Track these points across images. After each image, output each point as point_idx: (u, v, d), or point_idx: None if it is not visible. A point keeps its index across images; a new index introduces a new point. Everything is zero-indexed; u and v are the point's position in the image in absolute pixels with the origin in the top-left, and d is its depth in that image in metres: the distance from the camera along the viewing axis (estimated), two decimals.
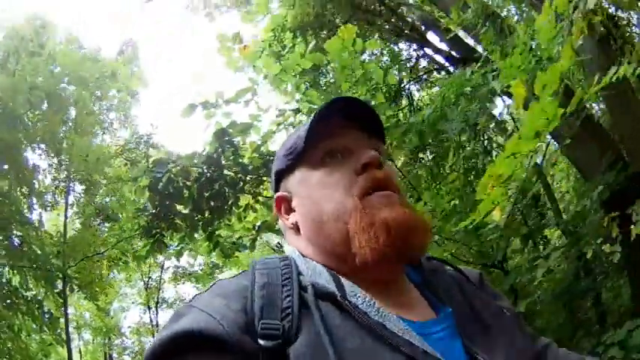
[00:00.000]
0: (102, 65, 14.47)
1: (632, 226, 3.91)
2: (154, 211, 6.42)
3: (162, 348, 0.81)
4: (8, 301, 11.38)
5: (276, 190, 1.13)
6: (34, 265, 11.61)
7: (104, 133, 15.61)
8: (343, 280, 0.94)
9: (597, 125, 5.94)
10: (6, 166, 11.80)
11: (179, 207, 6.97)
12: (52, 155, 13.37)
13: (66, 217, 13.35)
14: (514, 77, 3.86)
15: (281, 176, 1.11)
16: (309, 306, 0.86)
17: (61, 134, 13.40)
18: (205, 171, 7.34)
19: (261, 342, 0.80)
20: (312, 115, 1.04)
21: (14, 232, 11.68)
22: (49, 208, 13.44)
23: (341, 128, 1.05)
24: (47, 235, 12.92)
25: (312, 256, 1.01)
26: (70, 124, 13.70)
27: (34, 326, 11.90)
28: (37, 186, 12.93)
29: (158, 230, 6.61)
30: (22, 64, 12.27)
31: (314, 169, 1.04)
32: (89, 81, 13.81)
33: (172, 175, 7.24)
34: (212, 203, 6.55)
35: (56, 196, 13.57)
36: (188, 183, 7.40)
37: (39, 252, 11.82)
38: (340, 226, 0.97)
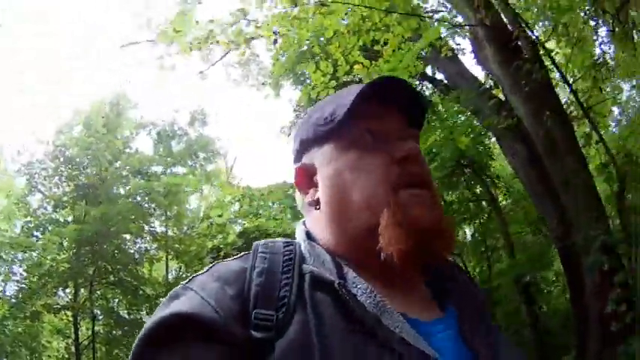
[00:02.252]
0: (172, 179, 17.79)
1: None
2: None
3: (153, 331, 0.79)
4: (126, 328, 16.11)
5: (298, 159, 1.05)
6: (147, 304, 16.16)
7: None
8: (347, 269, 0.89)
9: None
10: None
11: None
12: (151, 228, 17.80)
13: (167, 266, 17.83)
14: None
15: (307, 146, 1.03)
16: (305, 296, 0.83)
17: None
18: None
19: (252, 332, 0.78)
20: (357, 89, 0.96)
21: (129, 281, 16.31)
22: (155, 261, 17.92)
23: (383, 109, 0.98)
24: (155, 281, 17.44)
25: (324, 237, 0.96)
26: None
27: None
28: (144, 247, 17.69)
29: None
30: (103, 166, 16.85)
31: (348, 146, 0.96)
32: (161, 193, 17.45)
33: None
34: None
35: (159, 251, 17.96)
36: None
37: (150, 293, 16.41)
38: (368, 216, 0.91)
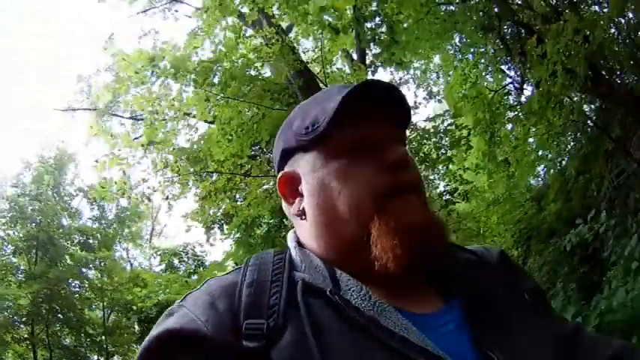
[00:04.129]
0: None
1: None
2: None
3: (148, 348, 0.81)
4: (72, 358, 21.01)
5: (280, 167, 1.04)
6: (88, 339, 21.35)
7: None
8: (340, 273, 0.89)
9: None
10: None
11: None
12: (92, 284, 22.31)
13: (104, 311, 22.27)
14: None
15: (289, 154, 1.02)
16: (298, 303, 0.82)
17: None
18: None
19: (244, 342, 0.78)
20: (341, 94, 0.92)
21: (75, 322, 21.04)
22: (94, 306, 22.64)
23: (368, 113, 0.95)
24: (95, 322, 22.23)
25: (314, 247, 0.96)
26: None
27: None
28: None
29: None
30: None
31: (334, 155, 0.94)
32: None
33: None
34: None
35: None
36: None
37: (91, 332, 21.50)
38: (356, 226, 0.90)
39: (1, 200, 21.19)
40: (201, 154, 10.13)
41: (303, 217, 0.98)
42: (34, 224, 20.92)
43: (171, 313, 0.86)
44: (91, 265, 22.12)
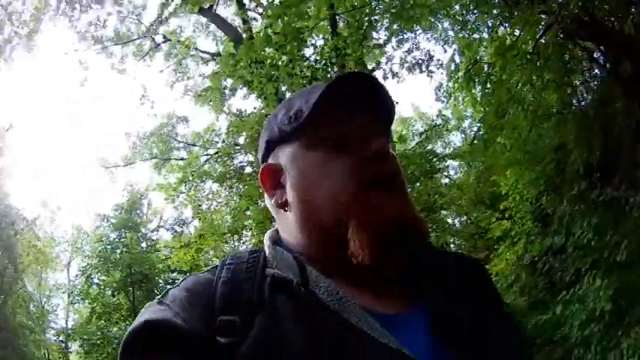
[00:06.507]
0: None
1: None
2: None
3: (128, 340, 0.83)
4: None
5: (264, 159, 1.04)
6: None
7: None
8: (310, 269, 0.89)
9: None
10: None
11: None
12: None
13: None
14: None
15: (273, 146, 1.02)
16: (265, 299, 0.84)
17: None
18: None
19: (218, 338, 0.81)
20: (325, 84, 0.94)
21: None
22: None
23: (351, 106, 0.95)
24: None
25: (294, 239, 0.96)
26: None
27: None
28: None
29: None
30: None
31: (316, 145, 0.94)
32: None
33: None
34: None
35: None
36: None
37: None
38: (334, 217, 0.90)
39: (87, 257, 24.04)
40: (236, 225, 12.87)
41: (286, 208, 0.98)
42: (125, 266, 21.96)
43: (153, 308, 0.88)
44: None
